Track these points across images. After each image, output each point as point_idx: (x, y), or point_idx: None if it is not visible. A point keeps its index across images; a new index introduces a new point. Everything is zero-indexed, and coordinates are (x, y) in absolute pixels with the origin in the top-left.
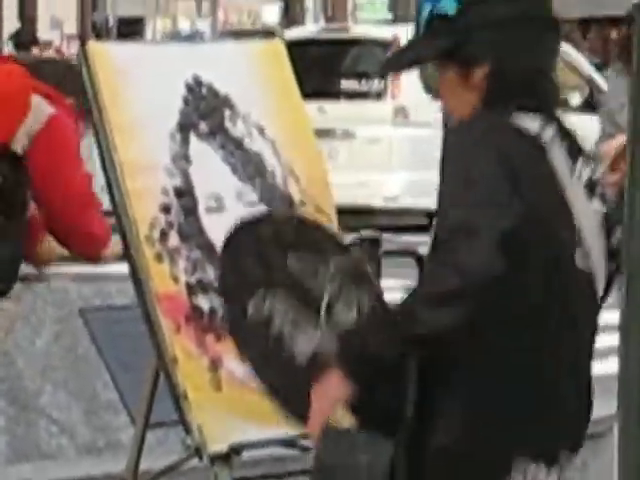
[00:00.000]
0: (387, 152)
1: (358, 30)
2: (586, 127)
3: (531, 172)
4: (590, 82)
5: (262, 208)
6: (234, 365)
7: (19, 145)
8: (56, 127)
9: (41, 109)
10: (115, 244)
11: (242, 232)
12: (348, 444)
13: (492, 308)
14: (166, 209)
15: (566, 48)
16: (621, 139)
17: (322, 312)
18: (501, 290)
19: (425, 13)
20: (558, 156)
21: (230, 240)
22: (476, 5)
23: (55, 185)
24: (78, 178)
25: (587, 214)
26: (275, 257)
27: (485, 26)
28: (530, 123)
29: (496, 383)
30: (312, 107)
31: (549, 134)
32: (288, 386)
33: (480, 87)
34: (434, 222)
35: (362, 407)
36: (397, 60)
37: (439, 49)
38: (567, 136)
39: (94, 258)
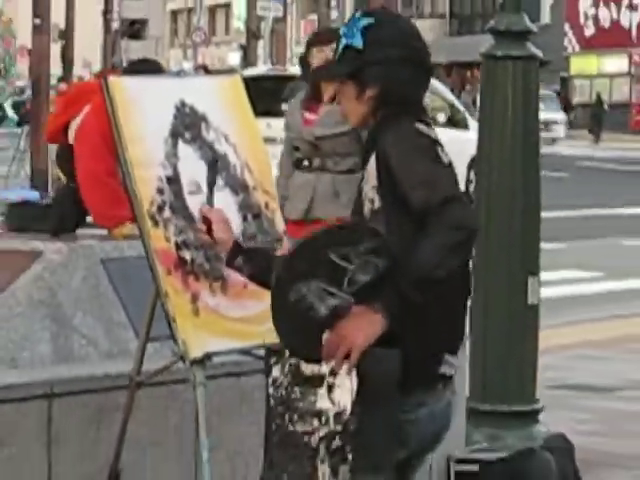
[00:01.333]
0: None
1: (292, 70)
2: (447, 138)
3: (441, 157)
4: (451, 106)
5: (226, 191)
6: (208, 299)
7: (71, 135)
8: (81, 127)
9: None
10: (125, 227)
11: (302, 243)
12: (386, 359)
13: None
14: (160, 191)
15: (435, 82)
16: None
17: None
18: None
19: (342, 44)
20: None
21: (296, 248)
22: (375, 45)
23: (77, 168)
24: (91, 166)
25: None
26: (317, 255)
27: (379, 61)
28: (424, 128)
29: (439, 310)
30: (262, 122)
31: (434, 134)
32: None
33: (368, 103)
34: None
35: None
36: (318, 73)
37: (344, 71)
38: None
39: (104, 227)
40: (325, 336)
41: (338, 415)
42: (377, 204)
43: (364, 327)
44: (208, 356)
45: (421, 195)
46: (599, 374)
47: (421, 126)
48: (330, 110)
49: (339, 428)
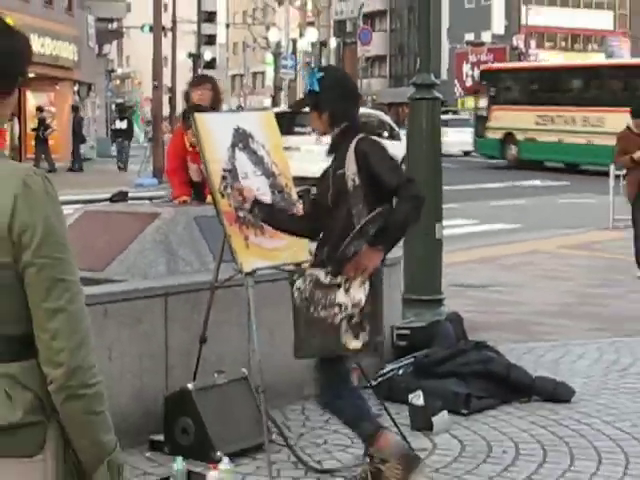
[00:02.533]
0: (314, 154)
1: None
2: (390, 145)
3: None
4: (391, 127)
5: (263, 177)
6: (253, 238)
7: None
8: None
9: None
10: (181, 199)
11: None
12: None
13: None
14: (225, 178)
15: (382, 114)
16: None
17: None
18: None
19: (307, 87)
20: None
21: None
22: (325, 89)
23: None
24: (170, 163)
25: None
26: None
27: (327, 98)
28: (378, 138)
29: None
30: (282, 138)
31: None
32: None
33: (325, 121)
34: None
35: None
36: (296, 105)
37: (308, 104)
38: None
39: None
40: (347, 266)
41: (355, 305)
42: (357, 182)
43: (372, 259)
44: (254, 270)
45: (392, 178)
46: (478, 277)
47: (377, 138)
48: None
49: (356, 311)
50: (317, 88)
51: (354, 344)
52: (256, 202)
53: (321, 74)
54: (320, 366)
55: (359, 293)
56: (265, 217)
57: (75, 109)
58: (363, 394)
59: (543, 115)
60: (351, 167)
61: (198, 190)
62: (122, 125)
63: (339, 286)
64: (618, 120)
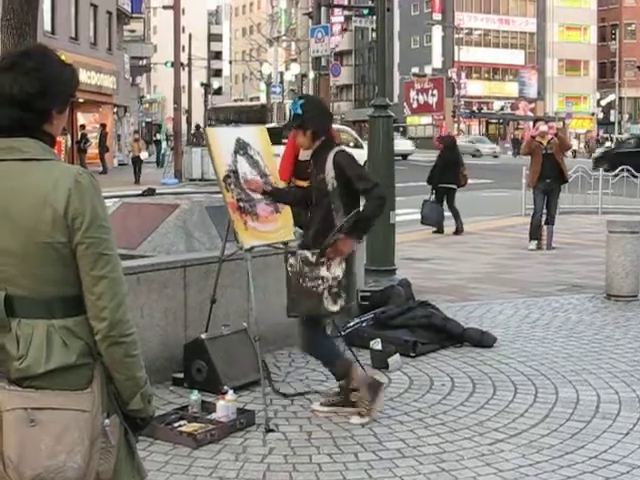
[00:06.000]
0: None
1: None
2: (355, 153)
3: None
4: (356, 139)
5: (258, 177)
6: (250, 222)
7: None
8: None
9: None
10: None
11: None
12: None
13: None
14: (229, 176)
15: (349, 129)
16: None
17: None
18: None
19: (292, 112)
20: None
21: None
22: (307, 111)
23: None
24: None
25: None
26: None
27: (309, 118)
28: (348, 149)
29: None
30: (273, 147)
31: (347, 149)
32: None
33: (308, 137)
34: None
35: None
36: (286, 126)
37: (295, 124)
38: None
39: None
40: (329, 249)
41: (334, 279)
42: (335, 185)
43: (347, 245)
44: (252, 247)
45: (361, 184)
46: (422, 253)
47: (348, 149)
48: None
49: (335, 284)
50: (300, 111)
51: (333, 308)
52: (264, 191)
53: (302, 101)
54: (305, 322)
55: (338, 270)
56: (273, 192)
57: (103, 126)
58: (335, 341)
59: None
60: (330, 173)
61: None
62: (159, 137)
63: (322, 264)
64: None
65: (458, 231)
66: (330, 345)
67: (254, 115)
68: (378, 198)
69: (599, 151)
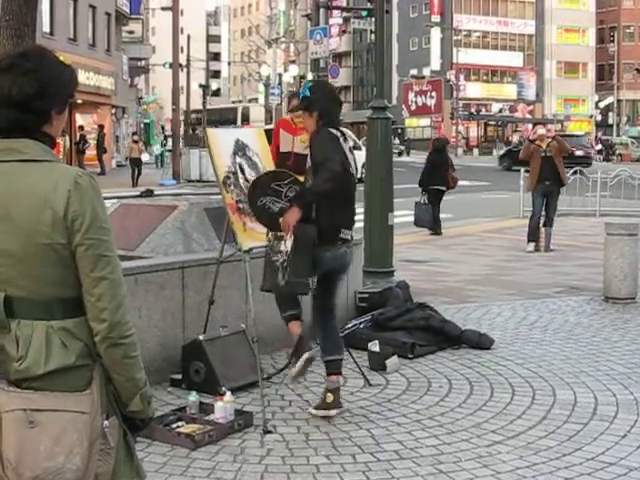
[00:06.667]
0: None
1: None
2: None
3: (339, 147)
4: (355, 141)
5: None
6: (249, 224)
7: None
8: None
9: None
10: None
11: (257, 180)
12: (307, 229)
13: (336, 185)
14: (228, 177)
15: (347, 131)
16: None
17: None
18: (338, 178)
19: (301, 95)
20: (342, 142)
21: (254, 182)
22: (314, 93)
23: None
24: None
25: (352, 157)
26: (266, 186)
27: (316, 100)
28: (335, 131)
29: (335, 206)
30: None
31: (339, 134)
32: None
33: (314, 119)
34: (309, 162)
35: (300, 220)
36: (291, 110)
37: (302, 107)
38: (343, 135)
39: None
40: (280, 220)
41: (286, 253)
42: (309, 163)
43: (293, 214)
44: (250, 249)
45: (316, 158)
46: (420, 255)
47: (333, 130)
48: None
49: (286, 257)
50: (308, 94)
51: (280, 281)
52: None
53: (310, 84)
54: (277, 291)
55: (289, 244)
56: (302, 207)
57: (101, 127)
58: (297, 303)
59: None
60: (308, 151)
61: (285, 158)
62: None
63: (281, 238)
64: None
65: (436, 233)
66: (293, 304)
67: (225, 115)
68: (323, 173)
69: (502, 150)
